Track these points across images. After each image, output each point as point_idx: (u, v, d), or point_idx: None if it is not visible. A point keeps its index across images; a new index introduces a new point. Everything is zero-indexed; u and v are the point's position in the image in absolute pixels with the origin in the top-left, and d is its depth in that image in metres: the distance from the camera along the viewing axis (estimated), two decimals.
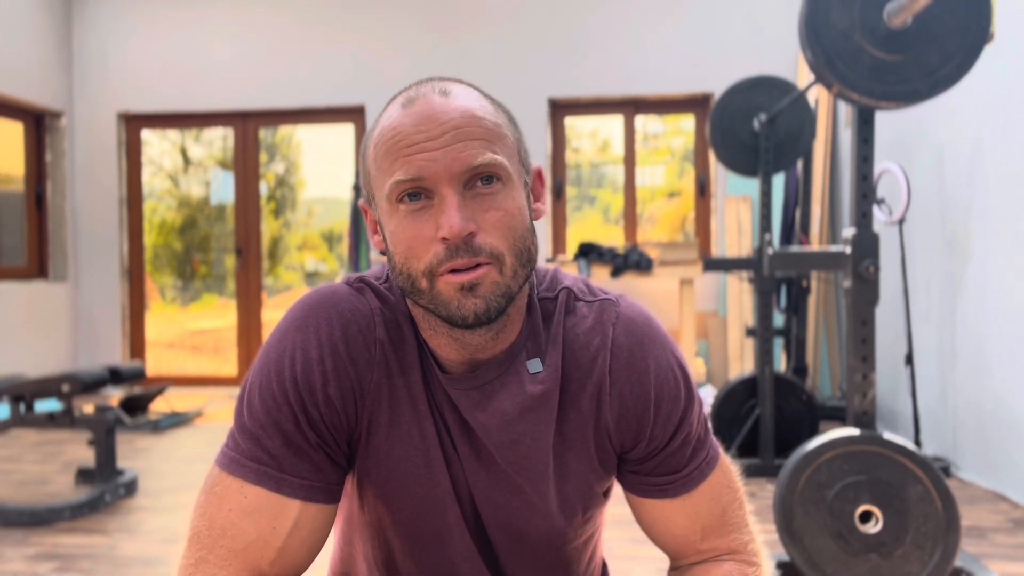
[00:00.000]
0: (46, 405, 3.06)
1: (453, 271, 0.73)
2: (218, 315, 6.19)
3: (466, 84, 0.79)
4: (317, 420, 0.77)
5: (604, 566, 1.00)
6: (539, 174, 0.83)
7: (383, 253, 0.80)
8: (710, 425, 0.90)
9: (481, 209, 0.73)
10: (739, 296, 4.94)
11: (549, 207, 5.29)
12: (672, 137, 5.81)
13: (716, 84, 4.95)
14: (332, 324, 0.79)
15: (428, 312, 0.77)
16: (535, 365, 0.81)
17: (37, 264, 5.59)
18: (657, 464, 0.85)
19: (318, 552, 0.80)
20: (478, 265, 0.73)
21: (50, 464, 3.52)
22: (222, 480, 0.77)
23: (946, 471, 3.13)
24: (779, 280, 4.01)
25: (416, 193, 0.73)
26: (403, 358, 0.80)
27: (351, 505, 0.87)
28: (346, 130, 5.71)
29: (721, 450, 0.90)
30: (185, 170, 6.31)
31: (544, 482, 0.83)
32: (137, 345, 5.85)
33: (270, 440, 0.76)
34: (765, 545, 0.92)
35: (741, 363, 4.88)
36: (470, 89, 0.78)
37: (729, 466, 0.90)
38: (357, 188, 4.74)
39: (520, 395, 0.80)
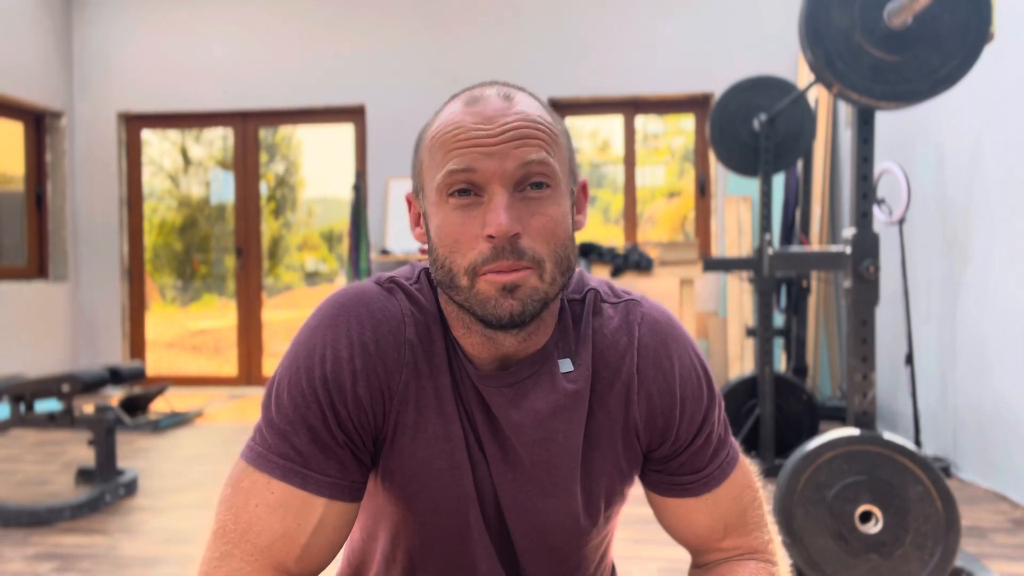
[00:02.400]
0: (46, 405, 3.06)
1: (495, 271, 0.73)
2: (218, 315, 6.19)
3: (528, 93, 0.80)
4: (345, 419, 0.77)
5: (612, 566, 1.01)
6: (584, 187, 0.85)
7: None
8: (729, 425, 0.91)
9: (528, 213, 0.74)
10: (739, 296, 4.94)
11: None
12: (672, 137, 5.81)
13: (716, 84, 4.96)
14: (363, 324, 0.79)
15: (462, 310, 0.78)
16: (566, 364, 0.82)
17: (37, 264, 5.59)
18: (680, 463, 0.86)
19: (339, 550, 0.81)
20: (520, 268, 0.73)
21: (50, 464, 3.52)
22: (249, 475, 0.77)
23: (946, 471, 3.13)
24: (779, 280, 4.01)
25: (466, 190, 0.74)
26: (432, 360, 0.81)
27: (372, 500, 0.88)
28: (346, 130, 5.71)
29: (740, 450, 0.91)
30: (185, 170, 6.31)
31: (572, 482, 0.83)
32: (137, 345, 5.85)
33: (297, 437, 0.76)
34: (783, 545, 0.93)
35: (741, 363, 4.88)
36: (531, 98, 0.79)
37: (748, 466, 0.91)
38: (357, 188, 4.73)
39: (553, 394, 0.81)
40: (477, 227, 0.73)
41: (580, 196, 0.84)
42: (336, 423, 0.77)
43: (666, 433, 0.84)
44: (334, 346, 0.78)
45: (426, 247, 0.81)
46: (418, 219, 0.83)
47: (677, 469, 0.86)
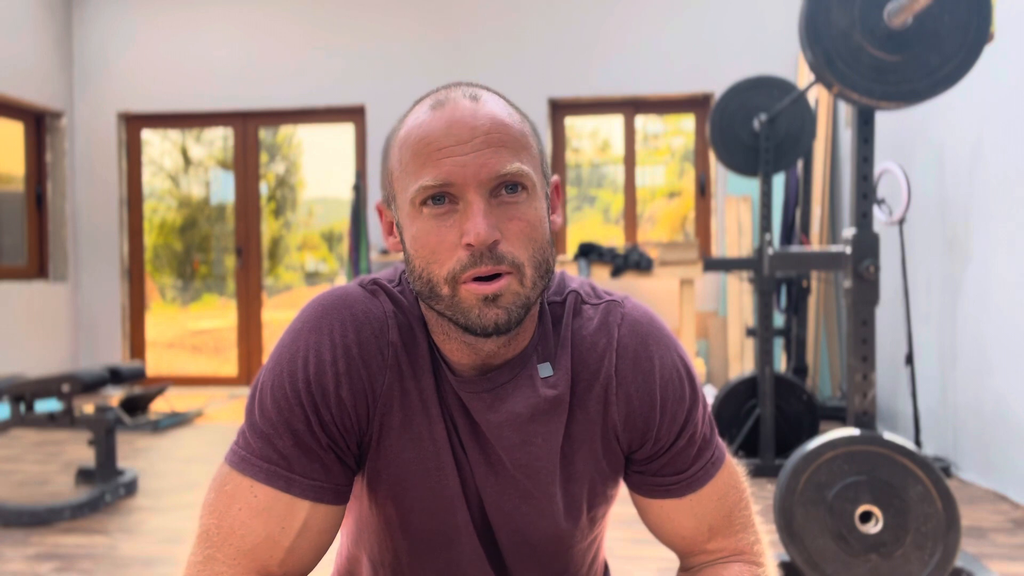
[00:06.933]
0: (46, 405, 3.06)
1: (476, 280, 0.73)
2: (218, 315, 6.19)
3: (493, 91, 0.79)
4: (328, 422, 0.77)
5: (606, 566, 1.01)
6: (556, 187, 0.83)
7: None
8: (715, 426, 0.90)
9: (505, 217, 0.73)
10: (739, 296, 4.94)
11: None
12: (672, 137, 5.81)
13: (716, 84, 4.95)
14: (346, 326, 0.79)
15: (444, 318, 0.77)
16: (546, 369, 0.82)
17: (37, 264, 5.59)
18: (663, 464, 0.85)
19: (325, 552, 0.80)
20: (500, 275, 0.73)
21: (50, 464, 3.52)
22: (232, 478, 0.77)
23: (946, 471, 3.13)
24: (779, 280, 4.01)
25: (441, 197, 0.73)
26: (415, 362, 0.81)
27: (360, 505, 0.88)
28: (346, 130, 5.71)
29: (727, 451, 0.90)
30: (185, 170, 6.31)
31: (552, 484, 0.83)
32: (137, 345, 5.85)
33: (281, 440, 0.76)
34: (770, 545, 0.92)
35: (741, 363, 4.88)
36: (498, 97, 0.78)
37: (735, 466, 0.90)
38: (357, 188, 4.73)
39: (532, 398, 0.80)
40: (454, 235, 0.73)
41: (554, 196, 0.83)
42: (320, 426, 0.77)
43: (646, 434, 0.83)
44: (317, 349, 0.78)
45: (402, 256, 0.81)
46: (391, 228, 0.82)
47: (659, 470, 0.85)
